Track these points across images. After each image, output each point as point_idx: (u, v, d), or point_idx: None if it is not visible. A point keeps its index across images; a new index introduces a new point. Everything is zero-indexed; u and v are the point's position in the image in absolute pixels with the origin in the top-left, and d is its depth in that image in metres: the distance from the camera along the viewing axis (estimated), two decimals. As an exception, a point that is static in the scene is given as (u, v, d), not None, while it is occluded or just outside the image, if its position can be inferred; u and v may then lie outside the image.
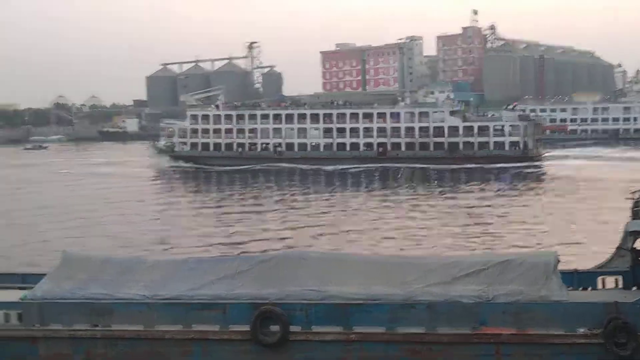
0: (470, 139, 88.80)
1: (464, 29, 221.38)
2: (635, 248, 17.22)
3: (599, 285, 17.45)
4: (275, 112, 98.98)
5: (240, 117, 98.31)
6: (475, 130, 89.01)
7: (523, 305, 15.10)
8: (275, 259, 17.15)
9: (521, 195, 58.63)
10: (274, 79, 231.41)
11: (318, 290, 16.01)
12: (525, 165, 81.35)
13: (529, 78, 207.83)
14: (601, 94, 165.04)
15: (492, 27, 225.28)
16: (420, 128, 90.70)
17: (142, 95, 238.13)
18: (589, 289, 17.40)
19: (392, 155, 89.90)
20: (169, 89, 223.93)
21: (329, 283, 16.18)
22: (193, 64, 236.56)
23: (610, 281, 17.50)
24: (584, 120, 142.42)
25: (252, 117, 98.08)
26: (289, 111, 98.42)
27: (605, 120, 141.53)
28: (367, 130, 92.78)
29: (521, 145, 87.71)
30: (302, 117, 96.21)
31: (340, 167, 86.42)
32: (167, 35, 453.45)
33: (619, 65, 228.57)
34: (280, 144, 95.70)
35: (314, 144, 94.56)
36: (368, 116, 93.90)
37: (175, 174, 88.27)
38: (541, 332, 14.87)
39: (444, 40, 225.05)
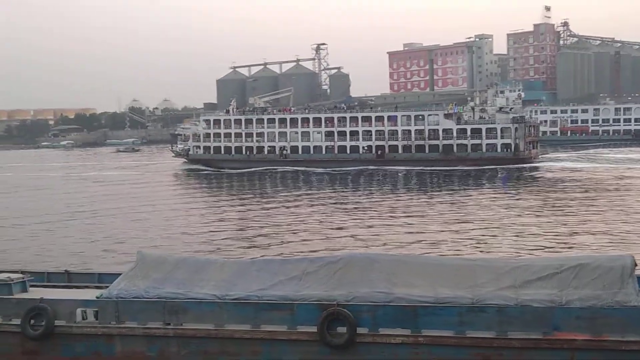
0: (464, 141, 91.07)
1: (536, 25, 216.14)
2: None
3: None
4: (281, 116, 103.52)
5: (248, 122, 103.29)
6: (468, 132, 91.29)
7: (598, 310, 14.62)
8: (342, 260, 17.14)
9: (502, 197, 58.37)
10: (341, 80, 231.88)
11: (386, 292, 15.93)
12: (516, 168, 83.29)
13: (604, 76, 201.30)
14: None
15: (565, 24, 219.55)
16: (416, 131, 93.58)
17: (213, 98, 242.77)
18: None
19: (390, 157, 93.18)
20: (239, 92, 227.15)
21: (396, 285, 16.07)
22: (262, 67, 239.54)
23: None
24: (605, 120, 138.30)
25: (260, 121, 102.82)
26: (294, 115, 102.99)
27: (627, 121, 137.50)
28: (366, 134, 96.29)
29: (512, 147, 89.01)
30: (305, 121, 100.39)
31: (332, 169, 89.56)
32: (236, 39, 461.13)
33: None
34: (285, 147, 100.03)
35: (316, 146, 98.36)
36: (367, 119, 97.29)
37: (190, 176, 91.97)
38: (617, 339, 14.37)
39: (515, 38, 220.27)
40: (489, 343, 14.90)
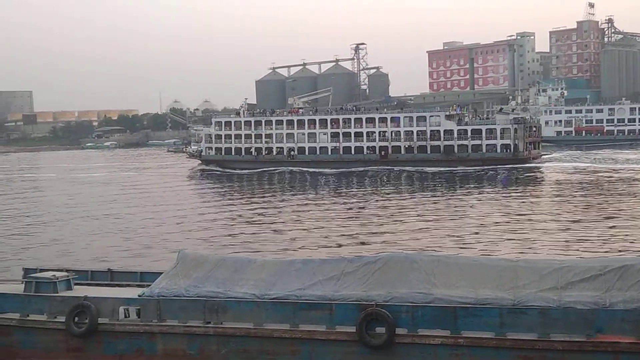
0: (465, 142, 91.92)
1: (579, 23, 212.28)
2: None
3: None
4: (289, 118, 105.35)
5: (258, 123, 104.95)
6: (469, 133, 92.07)
7: None
8: (381, 260, 17.07)
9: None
10: (380, 80, 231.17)
11: (425, 292, 15.83)
12: (512, 167, 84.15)
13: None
14: None
15: (610, 20, 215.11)
16: (418, 132, 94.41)
17: (252, 98, 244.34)
18: None
19: (393, 158, 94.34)
20: (278, 92, 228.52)
21: (436, 285, 15.96)
22: (301, 67, 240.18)
23: None
24: (620, 120, 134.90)
25: (268, 123, 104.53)
26: (300, 117, 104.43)
27: None
28: (370, 135, 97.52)
29: (512, 148, 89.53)
30: (312, 122, 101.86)
31: (336, 169, 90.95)
32: (276, 40, 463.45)
33: None
34: (293, 148, 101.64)
35: (322, 147, 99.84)
36: (371, 121, 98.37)
37: (208, 177, 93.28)
38: (664, 342, 14.03)
39: (558, 35, 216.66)
40: (531, 345, 14.68)
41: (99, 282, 20.85)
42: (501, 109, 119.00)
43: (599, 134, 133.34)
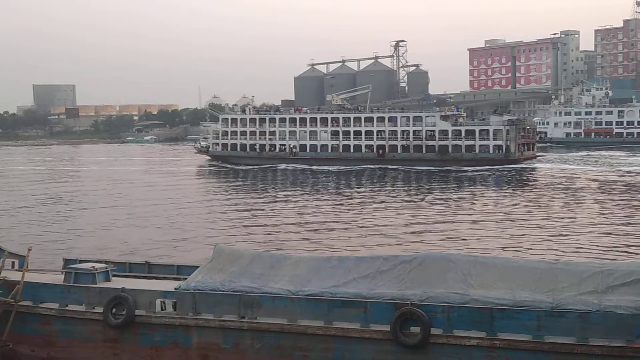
0: (459, 142, 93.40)
1: (626, 21, 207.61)
2: None
3: None
4: (291, 116, 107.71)
5: (262, 121, 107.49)
6: (463, 134, 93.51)
7: None
8: (417, 259, 16.93)
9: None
10: (419, 77, 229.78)
11: (461, 293, 15.65)
12: (503, 168, 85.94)
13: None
14: None
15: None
16: (414, 132, 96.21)
17: (291, 95, 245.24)
18: None
19: (390, 157, 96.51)
20: (316, 89, 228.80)
21: (473, 286, 15.76)
22: (340, 64, 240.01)
23: None
24: (630, 123, 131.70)
25: (272, 120, 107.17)
26: (303, 115, 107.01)
27: None
28: (368, 134, 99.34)
29: (503, 149, 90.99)
30: (313, 120, 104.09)
31: (335, 167, 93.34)
32: (315, 37, 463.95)
33: None
34: (295, 146, 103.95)
35: (323, 145, 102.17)
36: (370, 120, 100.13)
37: (214, 172, 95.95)
38: None
39: (603, 34, 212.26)
40: (569, 349, 14.39)
41: (137, 274, 21.14)
42: (495, 110, 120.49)
43: (608, 136, 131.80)
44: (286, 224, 44.79)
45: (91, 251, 33.19)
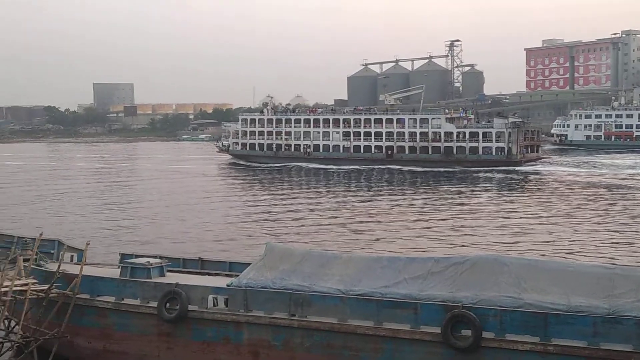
0: (463, 144, 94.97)
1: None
2: None
3: None
4: (306, 117, 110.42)
5: (279, 121, 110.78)
6: (467, 136, 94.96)
7: None
8: (469, 261, 16.73)
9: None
10: (474, 77, 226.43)
11: (514, 296, 15.42)
12: (503, 170, 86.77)
13: None
14: None
15: None
16: (421, 133, 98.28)
17: (344, 95, 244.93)
18: None
19: (397, 157, 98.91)
20: (369, 89, 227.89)
21: (526, 290, 15.52)
22: (393, 64, 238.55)
23: None
24: None
25: (288, 121, 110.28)
26: (316, 116, 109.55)
27: None
28: (378, 135, 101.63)
29: (505, 151, 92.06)
30: (326, 122, 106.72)
31: (346, 167, 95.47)
32: (368, 36, 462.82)
33: None
34: (309, 146, 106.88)
35: (335, 145, 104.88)
36: (379, 121, 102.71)
37: (238, 170, 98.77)
38: None
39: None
40: (626, 357, 14.03)
41: (190, 270, 21.50)
42: (499, 113, 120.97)
43: (628, 139, 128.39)
44: (331, 223, 44.99)
45: (145, 246, 33.93)
